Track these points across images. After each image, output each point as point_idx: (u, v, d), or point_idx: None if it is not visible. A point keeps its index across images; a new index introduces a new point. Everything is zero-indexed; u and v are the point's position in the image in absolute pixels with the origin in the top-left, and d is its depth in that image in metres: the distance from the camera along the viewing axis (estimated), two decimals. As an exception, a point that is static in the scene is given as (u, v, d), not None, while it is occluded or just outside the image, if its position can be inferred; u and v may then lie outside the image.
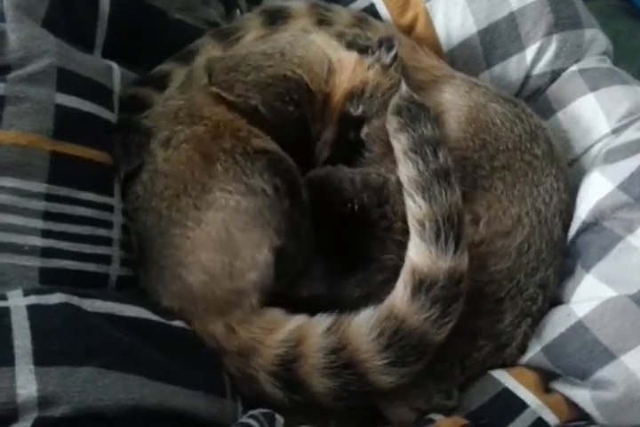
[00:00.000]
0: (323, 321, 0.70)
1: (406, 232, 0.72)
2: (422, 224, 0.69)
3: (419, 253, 0.69)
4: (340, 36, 0.89)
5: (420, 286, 0.67)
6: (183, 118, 0.80)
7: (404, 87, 0.78)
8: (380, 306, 0.69)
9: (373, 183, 0.78)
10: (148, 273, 0.76)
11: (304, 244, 0.76)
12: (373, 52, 0.85)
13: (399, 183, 0.75)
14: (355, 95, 0.84)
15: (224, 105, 0.81)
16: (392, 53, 0.84)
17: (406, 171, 0.72)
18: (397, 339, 0.66)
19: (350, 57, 0.85)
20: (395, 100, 0.77)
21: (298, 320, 0.72)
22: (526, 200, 0.78)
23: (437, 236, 0.68)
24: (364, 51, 0.86)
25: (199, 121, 0.79)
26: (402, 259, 0.72)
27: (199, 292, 0.73)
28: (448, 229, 0.68)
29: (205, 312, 0.73)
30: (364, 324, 0.68)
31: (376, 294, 0.72)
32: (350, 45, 0.87)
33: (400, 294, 0.68)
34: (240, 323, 0.72)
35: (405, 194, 0.72)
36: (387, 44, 0.85)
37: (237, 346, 0.72)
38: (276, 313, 0.74)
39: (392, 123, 0.76)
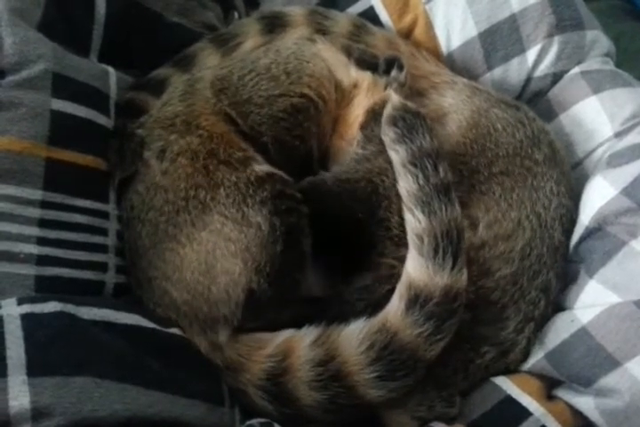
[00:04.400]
0: (310, 333, 0.70)
1: (403, 226, 0.71)
2: (421, 239, 0.68)
3: (416, 268, 0.68)
4: (347, 51, 0.89)
5: (415, 300, 0.66)
6: (179, 126, 0.79)
7: (394, 96, 0.77)
8: (372, 318, 0.68)
9: (362, 195, 0.77)
10: (139, 283, 0.76)
11: (284, 293, 0.74)
12: (385, 72, 0.86)
13: (393, 185, 0.74)
14: (377, 114, 0.83)
15: (223, 117, 0.81)
16: (405, 72, 0.86)
17: (406, 185, 0.71)
18: (387, 353, 0.65)
19: (364, 77, 0.86)
20: (388, 111, 0.76)
21: (285, 334, 0.71)
22: (525, 204, 0.77)
23: (435, 251, 0.67)
24: (374, 69, 0.86)
25: (194, 130, 0.78)
26: (401, 260, 0.71)
27: (182, 309, 0.73)
28: (446, 245, 0.67)
29: (190, 329, 0.73)
30: (354, 335, 0.67)
31: (381, 305, 0.70)
32: (360, 63, 0.87)
33: (394, 308, 0.68)
34: (224, 342, 0.72)
35: (404, 208, 0.71)
36: (397, 63, 0.86)
37: (224, 362, 0.71)
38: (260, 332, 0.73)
39: (388, 133, 0.75)
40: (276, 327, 0.73)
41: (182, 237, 0.73)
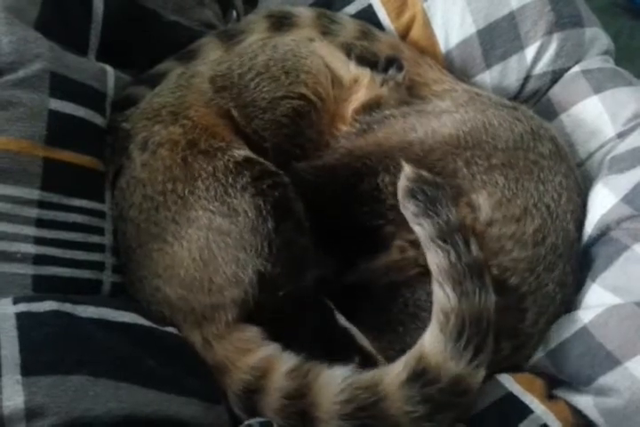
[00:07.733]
0: (289, 360, 0.68)
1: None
2: (447, 317, 0.64)
3: (432, 344, 0.64)
4: (347, 48, 0.89)
5: (420, 375, 0.62)
6: (164, 117, 0.79)
7: (407, 167, 0.73)
8: (363, 372, 0.65)
9: (342, 177, 0.77)
10: (131, 281, 0.76)
11: (294, 260, 0.74)
12: (384, 70, 0.86)
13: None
14: (368, 109, 0.84)
15: (217, 110, 0.81)
16: (404, 72, 0.86)
17: (436, 260, 0.67)
18: (364, 415, 0.61)
19: (364, 74, 0.87)
20: (403, 183, 0.72)
21: (270, 349, 0.70)
22: (532, 194, 0.76)
23: (459, 335, 0.63)
24: (373, 66, 0.87)
25: (180, 120, 0.78)
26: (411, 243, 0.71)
27: (176, 304, 0.73)
28: (472, 334, 0.63)
29: (184, 323, 0.73)
30: (336, 381, 0.64)
31: (408, 285, 0.70)
32: (360, 60, 0.88)
33: (394, 374, 0.63)
34: (216, 337, 0.72)
35: (434, 281, 0.68)
36: (397, 63, 0.86)
37: (213, 360, 0.71)
38: (252, 333, 0.72)
39: (408, 207, 0.71)
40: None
41: (168, 235, 0.72)
